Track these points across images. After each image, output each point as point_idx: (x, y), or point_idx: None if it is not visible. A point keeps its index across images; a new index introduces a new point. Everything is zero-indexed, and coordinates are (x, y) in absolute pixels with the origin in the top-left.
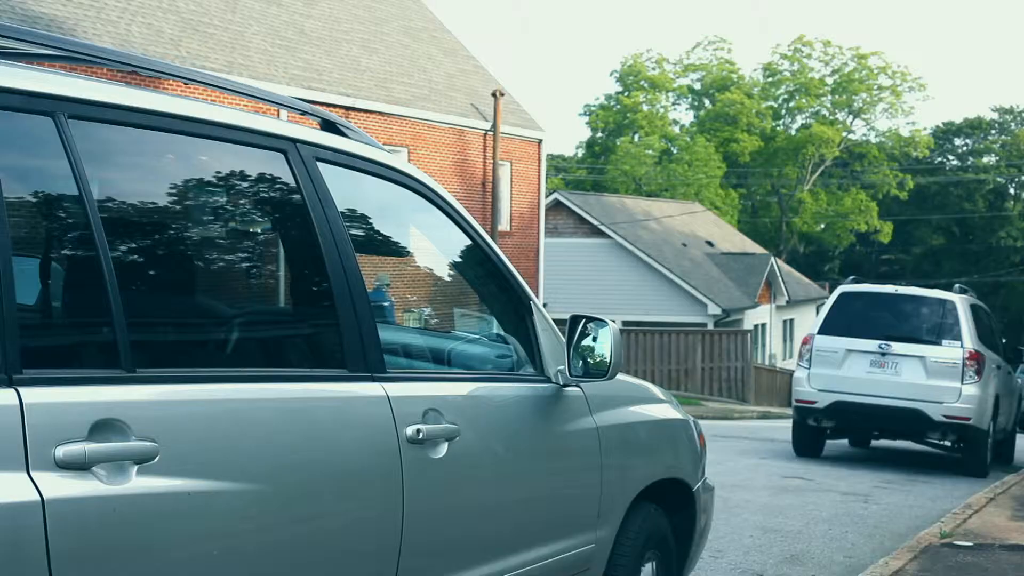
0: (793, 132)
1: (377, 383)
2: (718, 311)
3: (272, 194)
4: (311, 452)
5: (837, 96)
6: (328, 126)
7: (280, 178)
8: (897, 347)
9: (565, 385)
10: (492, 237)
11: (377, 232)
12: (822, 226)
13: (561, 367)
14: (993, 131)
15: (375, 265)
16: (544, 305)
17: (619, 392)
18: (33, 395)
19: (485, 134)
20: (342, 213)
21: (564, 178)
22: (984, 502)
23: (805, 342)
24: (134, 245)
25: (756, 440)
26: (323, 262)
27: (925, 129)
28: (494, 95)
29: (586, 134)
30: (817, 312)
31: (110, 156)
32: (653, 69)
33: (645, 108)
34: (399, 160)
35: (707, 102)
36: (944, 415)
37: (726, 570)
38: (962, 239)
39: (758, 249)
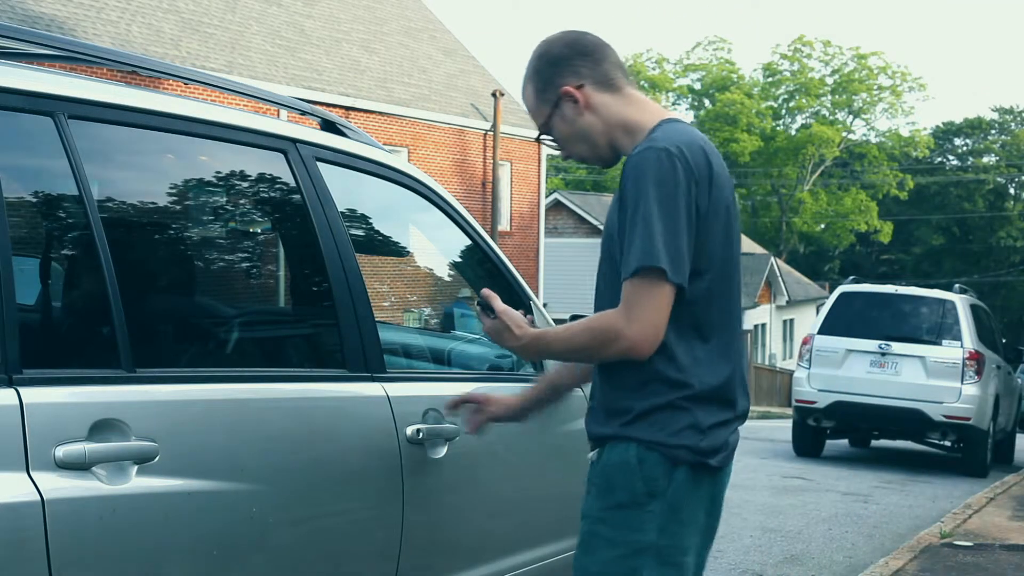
0: (793, 132)
1: (377, 383)
2: None
3: (272, 194)
4: (311, 452)
5: (837, 96)
6: (328, 126)
7: (280, 178)
8: (897, 347)
9: None
10: (492, 237)
11: (377, 232)
12: (822, 226)
13: None
14: (993, 131)
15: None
16: (544, 305)
17: None
18: (33, 395)
19: (485, 134)
20: (342, 213)
21: (564, 178)
22: (984, 502)
23: (805, 342)
24: (134, 245)
25: (756, 440)
26: (323, 262)
27: (925, 129)
28: (494, 95)
29: None
30: (817, 312)
31: (110, 156)
32: (653, 69)
33: None
34: (399, 160)
35: (707, 102)
36: (944, 415)
37: (726, 570)
38: (962, 239)
39: (758, 249)
